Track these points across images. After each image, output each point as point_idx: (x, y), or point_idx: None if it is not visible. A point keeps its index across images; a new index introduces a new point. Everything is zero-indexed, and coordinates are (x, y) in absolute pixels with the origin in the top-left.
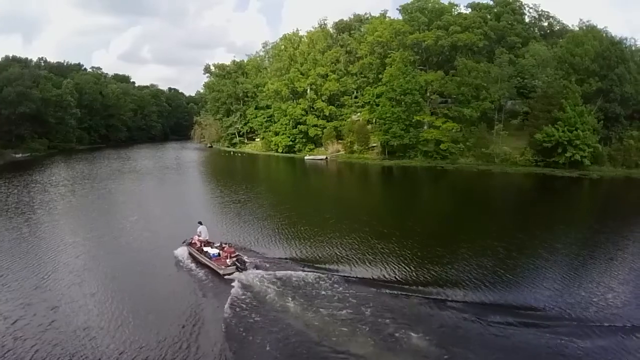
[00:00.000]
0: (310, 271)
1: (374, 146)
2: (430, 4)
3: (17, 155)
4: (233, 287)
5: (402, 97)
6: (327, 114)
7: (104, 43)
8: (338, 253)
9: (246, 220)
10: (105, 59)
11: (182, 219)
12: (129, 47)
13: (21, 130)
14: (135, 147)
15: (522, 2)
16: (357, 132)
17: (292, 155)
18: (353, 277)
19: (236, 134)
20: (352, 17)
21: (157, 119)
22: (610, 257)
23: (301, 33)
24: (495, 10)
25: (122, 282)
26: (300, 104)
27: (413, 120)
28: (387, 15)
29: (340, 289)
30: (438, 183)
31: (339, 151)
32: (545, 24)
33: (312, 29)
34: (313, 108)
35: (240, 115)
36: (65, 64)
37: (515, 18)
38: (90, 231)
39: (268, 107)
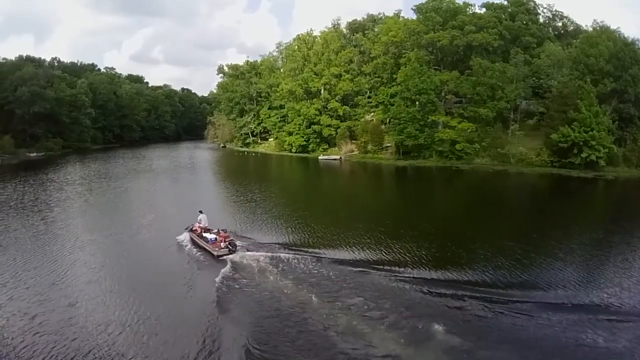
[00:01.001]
0: (299, 255)
1: (388, 146)
2: (445, 4)
3: (32, 155)
4: (225, 265)
5: (417, 96)
6: (340, 114)
7: (116, 44)
8: (339, 244)
9: (253, 213)
10: (118, 60)
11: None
12: (140, 47)
13: (35, 130)
14: (149, 147)
15: (536, 2)
16: (371, 132)
17: (305, 155)
18: (343, 260)
19: (249, 133)
20: (365, 17)
21: (170, 119)
22: (625, 257)
23: (315, 33)
24: (510, 10)
25: (135, 281)
26: (314, 104)
27: (428, 120)
28: (401, 15)
29: (331, 273)
30: (453, 183)
31: (352, 151)
32: (560, 24)
33: (326, 29)
34: (327, 108)
35: (254, 115)
36: (78, 64)
37: (529, 18)
38: (107, 229)
39: (282, 107)
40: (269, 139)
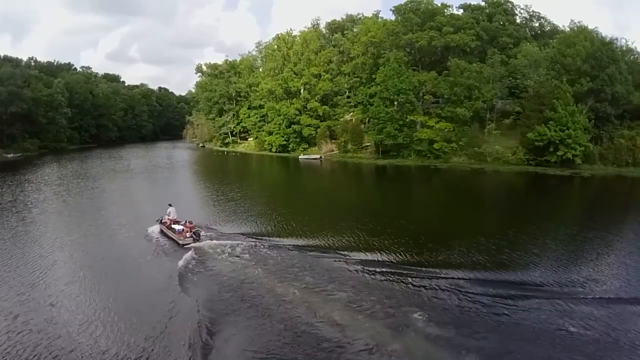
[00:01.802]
0: (262, 243)
1: (367, 145)
2: (423, 5)
3: (9, 155)
4: (188, 251)
5: (395, 97)
6: (320, 113)
7: (92, 42)
8: (306, 235)
9: (226, 208)
10: (94, 59)
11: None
12: (117, 46)
13: (12, 130)
14: (127, 147)
15: (513, 3)
16: (351, 131)
17: (285, 154)
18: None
19: (229, 133)
20: (344, 17)
21: (147, 118)
22: (598, 252)
23: (294, 33)
24: (487, 11)
25: (109, 274)
26: (294, 104)
27: (407, 120)
28: (379, 15)
29: (295, 260)
30: (431, 182)
31: (332, 150)
32: (537, 24)
33: (305, 29)
34: (306, 108)
35: (233, 114)
36: (55, 63)
37: (507, 19)
38: (85, 228)
39: (261, 106)
40: (249, 139)
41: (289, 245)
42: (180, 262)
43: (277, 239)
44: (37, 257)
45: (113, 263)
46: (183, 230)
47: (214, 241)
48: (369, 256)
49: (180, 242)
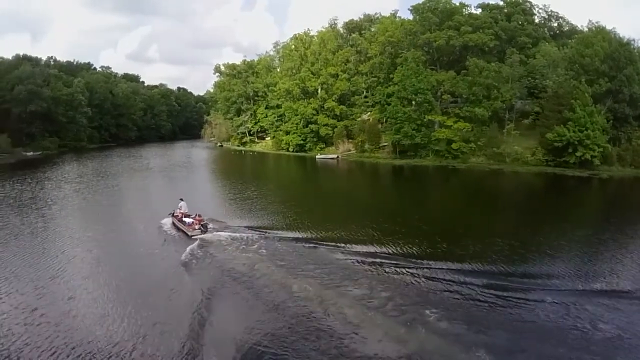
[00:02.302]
0: (269, 236)
1: (384, 145)
2: (441, 5)
3: (29, 154)
4: (195, 241)
5: (413, 96)
6: (337, 113)
7: (112, 42)
8: (316, 230)
9: (241, 204)
10: (113, 59)
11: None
12: (136, 46)
13: (32, 129)
14: (146, 146)
15: (532, 3)
16: (368, 131)
17: (303, 154)
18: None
19: (246, 133)
20: (362, 17)
21: (166, 118)
22: (613, 253)
23: (312, 33)
24: (506, 10)
25: (126, 267)
26: (311, 104)
27: (424, 120)
28: (397, 15)
29: (299, 252)
30: (449, 182)
31: (349, 150)
32: (555, 24)
33: (323, 29)
34: (323, 107)
35: (251, 114)
36: (74, 63)
37: (525, 19)
38: (103, 224)
39: (279, 106)
40: (266, 138)
41: (296, 238)
42: (186, 252)
43: (286, 232)
44: (56, 252)
45: (128, 252)
46: (192, 222)
47: (221, 233)
48: (383, 253)
49: (189, 233)
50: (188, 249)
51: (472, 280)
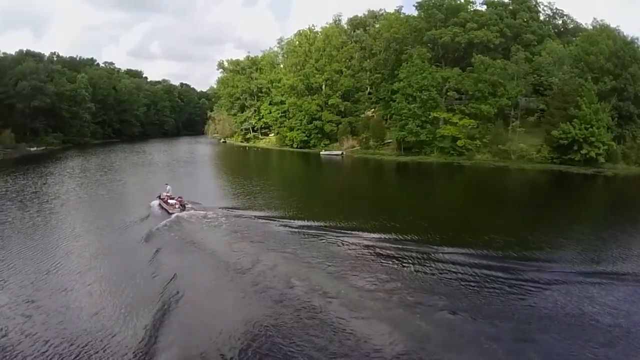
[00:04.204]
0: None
1: (389, 142)
2: (446, 1)
3: (32, 149)
4: (172, 216)
5: (418, 93)
6: (342, 109)
7: (114, 39)
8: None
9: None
10: (115, 54)
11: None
12: (138, 42)
13: (36, 124)
14: (149, 142)
15: (537, 0)
16: (372, 128)
17: (307, 150)
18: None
19: (250, 129)
20: (366, 13)
21: (169, 114)
22: (611, 253)
23: (316, 29)
24: (511, 7)
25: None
26: (315, 100)
27: (429, 117)
28: (402, 11)
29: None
30: (453, 179)
31: (354, 147)
32: (560, 22)
33: (326, 25)
34: (328, 104)
35: (255, 110)
36: (77, 58)
37: (530, 16)
38: (103, 219)
39: (283, 102)
40: (270, 135)
41: (263, 218)
42: (162, 223)
43: (256, 212)
44: (53, 247)
45: (114, 225)
46: (175, 203)
47: (198, 211)
48: (389, 244)
49: (170, 211)
50: (165, 221)
51: (475, 269)
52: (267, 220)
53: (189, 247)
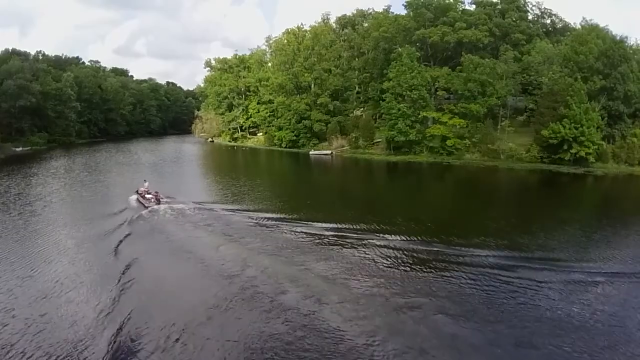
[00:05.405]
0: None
1: (378, 141)
2: (435, 0)
3: (18, 149)
4: (147, 210)
5: (407, 92)
6: (331, 109)
7: (99, 36)
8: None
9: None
10: (101, 53)
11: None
12: (124, 40)
13: (21, 124)
14: (135, 141)
15: (525, 0)
16: (362, 127)
17: (296, 150)
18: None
19: (238, 128)
20: (355, 12)
21: (156, 113)
22: (600, 254)
23: (305, 28)
24: (500, 7)
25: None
26: (304, 99)
27: (419, 116)
28: (390, 10)
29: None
30: (443, 178)
31: (343, 146)
32: (548, 21)
33: (315, 24)
34: (317, 103)
35: (243, 109)
36: (63, 57)
37: (519, 15)
38: (86, 220)
39: (271, 101)
40: (258, 134)
41: (240, 210)
42: (136, 215)
43: (228, 205)
44: (35, 250)
45: (92, 217)
46: (151, 197)
47: (169, 205)
48: (381, 244)
49: (146, 204)
50: (140, 212)
51: (465, 268)
52: (233, 213)
53: (158, 236)
